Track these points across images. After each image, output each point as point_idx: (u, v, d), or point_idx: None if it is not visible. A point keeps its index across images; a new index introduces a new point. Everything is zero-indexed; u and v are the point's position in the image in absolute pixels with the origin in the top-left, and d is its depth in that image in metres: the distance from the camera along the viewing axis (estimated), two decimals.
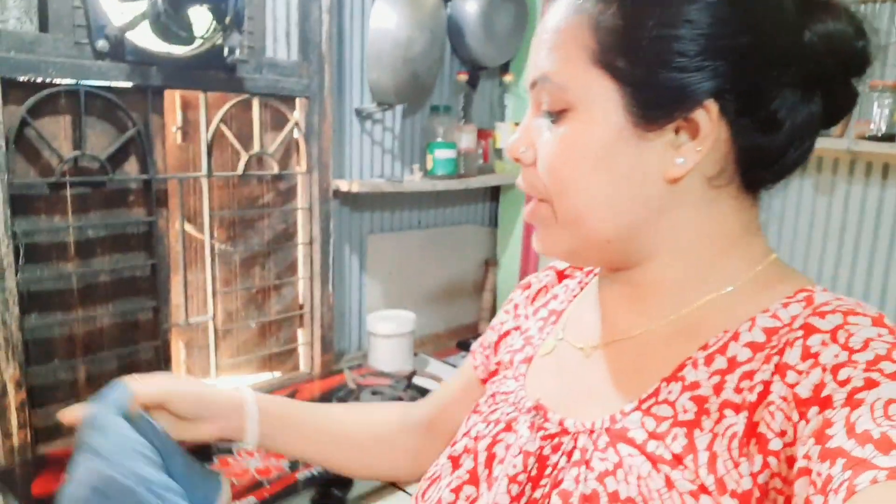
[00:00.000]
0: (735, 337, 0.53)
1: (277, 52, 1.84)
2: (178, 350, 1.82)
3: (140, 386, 0.74)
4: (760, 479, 0.47)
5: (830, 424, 0.43)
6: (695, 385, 0.53)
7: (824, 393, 0.45)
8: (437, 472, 0.67)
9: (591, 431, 0.57)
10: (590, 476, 0.54)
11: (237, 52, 1.63)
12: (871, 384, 0.43)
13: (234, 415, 0.80)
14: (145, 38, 1.52)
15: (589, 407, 0.59)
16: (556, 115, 0.56)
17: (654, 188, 0.54)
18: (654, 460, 0.52)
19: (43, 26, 1.42)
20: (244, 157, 1.79)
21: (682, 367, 0.55)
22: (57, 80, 1.42)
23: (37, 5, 1.41)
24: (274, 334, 2.00)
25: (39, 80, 1.40)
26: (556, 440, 0.59)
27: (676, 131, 0.53)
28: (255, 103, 1.79)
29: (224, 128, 1.75)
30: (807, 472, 0.43)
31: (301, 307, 2.03)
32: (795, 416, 0.46)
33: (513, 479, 0.59)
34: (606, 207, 0.55)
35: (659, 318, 0.58)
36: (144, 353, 1.67)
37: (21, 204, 1.42)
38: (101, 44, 1.46)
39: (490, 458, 0.62)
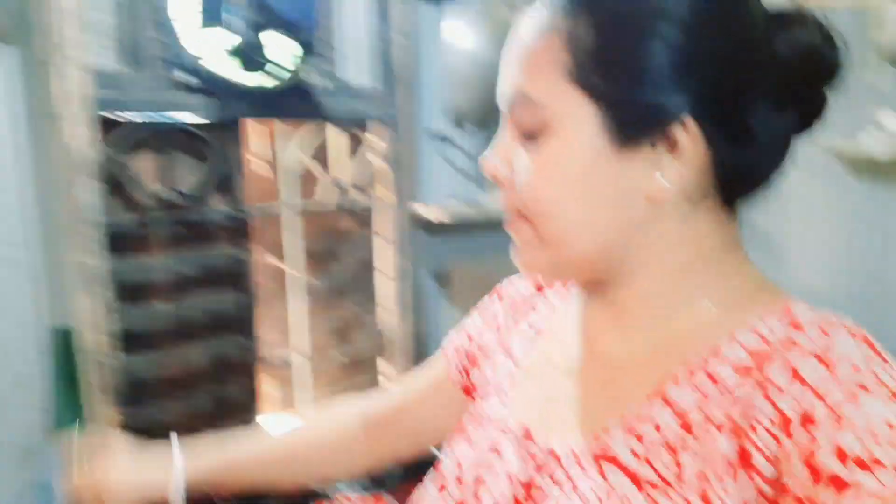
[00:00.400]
0: (716, 353, 0.53)
1: (355, 78, 1.82)
2: (265, 386, 1.78)
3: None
4: (747, 497, 0.47)
5: (816, 443, 0.43)
6: (678, 403, 0.53)
7: (808, 409, 0.45)
8: (422, 497, 0.67)
9: (576, 453, 0.56)
10: (574, 498, 0.54)
11: (316, 79, 1.61)
12: (852, 399, 0.44)
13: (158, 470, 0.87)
14: (227, 70, 1.51)
15: (573, 428, 0.59)
16: (533, 134, 0.55)
17: (634, 206, 0.54)
18: (638, 482, 0.52)
19: (132, 63, 1.43)
20: (325, 186, 1.76)
21: (663, 384, 0.54)
22: (146, 117, 1.42)
23: (124, 42, 1.42)
24: (359, 367, 1.94)
25: (127, 117, 1.39)
26: (543, 464, 0.58)
27: (654, 147, 0.53)
28: (335, 131, 1.77)
29: (305, 156, 1.72)
30: (793, 492, 0.43)
31: (386, 339, 1.97)
32: (781, 434, 0.46)
33: None
34: (588, 227, 0.55)
35: (639, 336, 0.58)
36: (235, 392, 1.64)
37: (114, 244, 1.41)
38: (186, 78, 1.46)
39: (478, 486, 0.62)
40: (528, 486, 0.58)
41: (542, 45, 0.55)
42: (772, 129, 0.54)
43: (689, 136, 0.52)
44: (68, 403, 1.38)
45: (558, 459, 0.58)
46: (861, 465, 0.41)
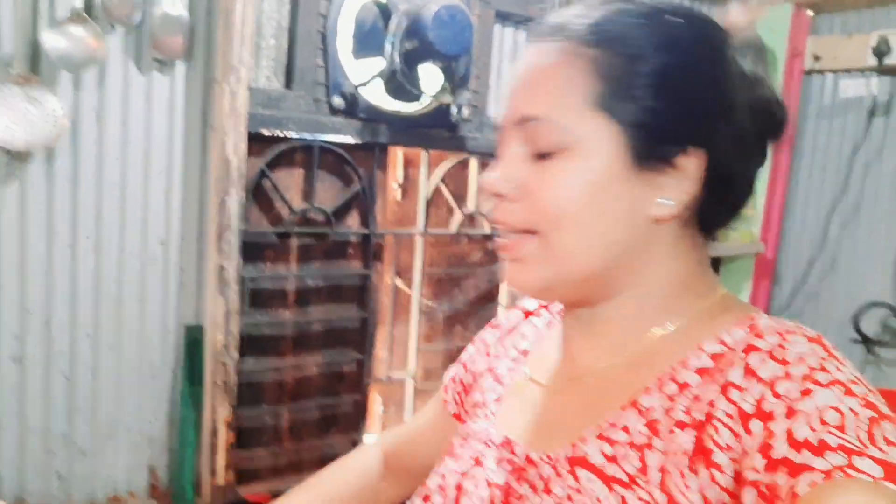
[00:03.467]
0: (684, 363, 0.57)
1: (498, 111, 1.80)
2: (375, 404, 1.81)
3: None
4: (708, 493, 0.50)
5: (773, 436, 0.46)
6: (648, 410, 0.56)
7: (765, 407, 0.48)
8: None
9: (554, 460, 0.59)
10: (547, 500, 0.57)
11: (463, 110, 1.61)
12: (806, 394, 0.47)
13: None
14: (377, 96, 1.54)
15: (553, 438, 0.61)
16: (548, 154, 0.58)
17: (638, 225, 0.58)
18: (608, 482, 0.54)
19: (287, 84, 1.49)
20: (458, 216, 1.76)
21: (637, 395, 0.58)
22: (294, 135, 1.48)
23: (284, 64, 1.48)
24: None
25: (280, 134, 1.46)
26: (522, 472, 0.61)
27: (663, 172, 0.57)
28: (473, 162, 1.76)
29: (442, 186, 1.73)
30: (754, 483, 0.46)
31: None
32: (741, 431, 0.49)
33: None
34: (598, 242, 0.58)
35: (618, 352, 0.61)
36: (345, 406, 1.67)
37: (251, 251, 1.48)
38: (338, 101, 1.50)
39: (459, 494, 0.65)
40: (506, 492, 0.62)
41: (563, 71, 0.58)
42: (747, 169, 0.61)
43: (698, 166, 0.57)
44: (190, 398, 1.46)
45: (535, 465, 0.61)
46: (812, 449, 0.44)
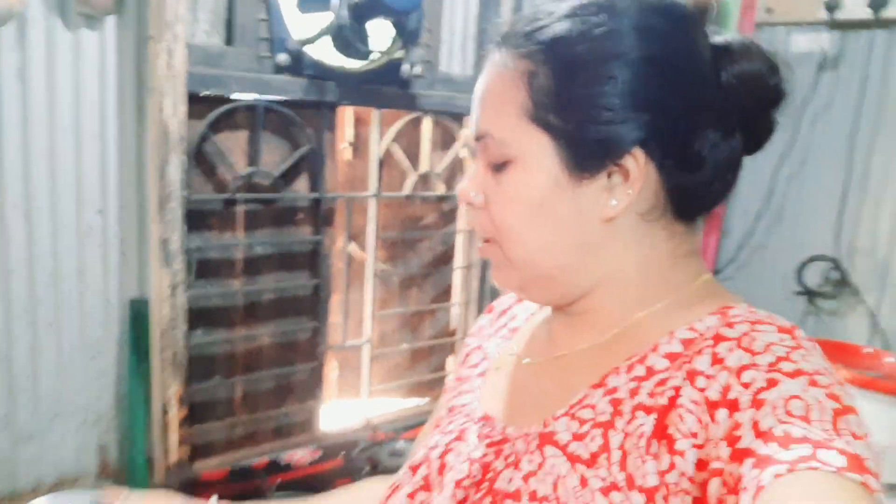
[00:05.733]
0: (655, 348, 0.57)
1: (452, 67, 1.74)
2: (330, 371, 1.77)
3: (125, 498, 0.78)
4: (668, 477, 0.50)
5: (739, 426, 0.46)
6: (614, 390, 0.57)
7: (731, 395, 0.48)
8: (398, 481, 0.71)
9: (527, 436, 0.61)
10: (516, 476, 0.59)
11: (415, 67, 1.54)
12: (772, 383, 0.47)
13: None
14: (324, 53, 1.46)
15: (531, 415, 0.63)
16: (499, 166, 0.59)
17: (591, 228, 0.58)
18: (572, 460, 0.56)
19: (228, 40, 1.40)
20: (411, 177, 1.71)
21: (607, 375, 0.59)
22: (237, 95, 1.39)
23: (224, 18, 1.39)
24: (425, 359, 1.91)
25: (221, 94, 1.37)
26: (499, 447, 0.63)
27: (609, 176, 0.57)
28: (426, 121, 1.71)
29: (394, 146, 1.67)
30: (719, 473, 0.46)
31: (454, 333, 1.93)
32: (706, 418, 0.49)
33: (458, 485, 0.63)
34: (548, 249, 0.59)
35: (596, 336, 0.63)
36: (301, 374, 1.63)
37: (195, 220, 1.41)
38: (282, 57, 1.42)
39: (442, 467, 0.66)
40: (483, 466, 0.63)
41: (503, 87, 0.58)
42: (720, 153, 0.58)
43: (639, 167, 0.56)
44: (138, 374, 1.40)
45: (513, 442, 0.62)
46: (776, 440, 0.44)
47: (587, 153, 0.57)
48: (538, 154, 0.58)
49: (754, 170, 2.27)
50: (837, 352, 1.87)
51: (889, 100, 1.94)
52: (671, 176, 0.58)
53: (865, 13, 1.86)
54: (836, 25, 1.97)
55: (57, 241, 1.32)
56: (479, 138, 0.61)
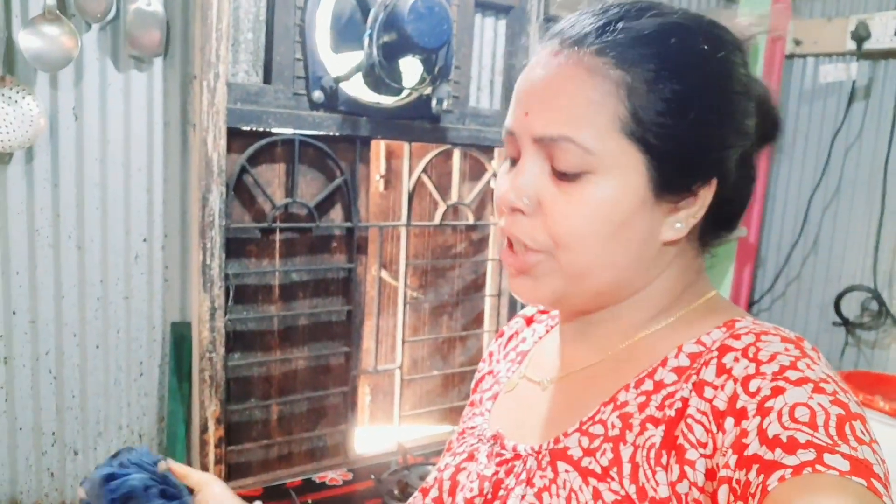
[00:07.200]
0: (663, 363, 0.58)
1: (481, 101, 1.81)
2: (363, 395, 1.82)
3: (182, 467, 0.86)
4: (679, 488, 0.51)
5: (746, 434, 0.47)
6: (623, 405, 0.58)
7: (738, 404, 0.49)
8: (410, 503, 0.72)
9: (538, 452, 0.62)
10: (529, 493, 0.59)
11: (444, 102, 1.61)
12: (778, 391, 0.48)
13: None
14: (357, 89, 1.54)
15: (541, 433, 0.64)
16: (574, 175, 0.57)
17: (653, 248, 0.59)
18: (585, 475, 0.57)
19: (266, 78, 1.49)
20: (442, 207, 1.77)
21: (617, 391, 0.60)
22: (275, 130, 1.48)
23: (262, 58, 1.48)
24: (456, 386, 1.95)
25: (259, 129, 1.46)
26: (510, 464, 0.64)
27: (681, 200, 0.58)
28: (456, 153, 1.77)
29: (425, 177, 1.74)
30: (727, 480, 0.47)
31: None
32: (714, 428, 0.50)
33: (470, 503, 0.64)
34: (612, 265, 0.59)
35: (606, 352, 0.64)
36: (333, 398, 1.68)
37: (234, 247, 1.48)
38: (317, 94, 1.50)
39: (454, 486, 0.67)
40: (494, 484, 0.64)
41: (591, 93, 0.56)
42: (746, 188, 0.62)
43: (709, 193, 0.58)
44: (179, 395, 1.47)
45: (522, 458, 0.63)
46: (782, 446, 0.45)
47: (678, 176, 0.57)
48: (628, 169, 0.56)
49: (787, 200, 2.26)
50: (877, 383, 1.83)
51: None
52: (720, 206, 0.59)
53: (893, 42, 1.86)
54: (864, 55, 1.98)
55: (106, 268, 1.40)
56: (544, 140, 0.58)
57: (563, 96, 0.57)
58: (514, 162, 0.62)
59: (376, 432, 1.85)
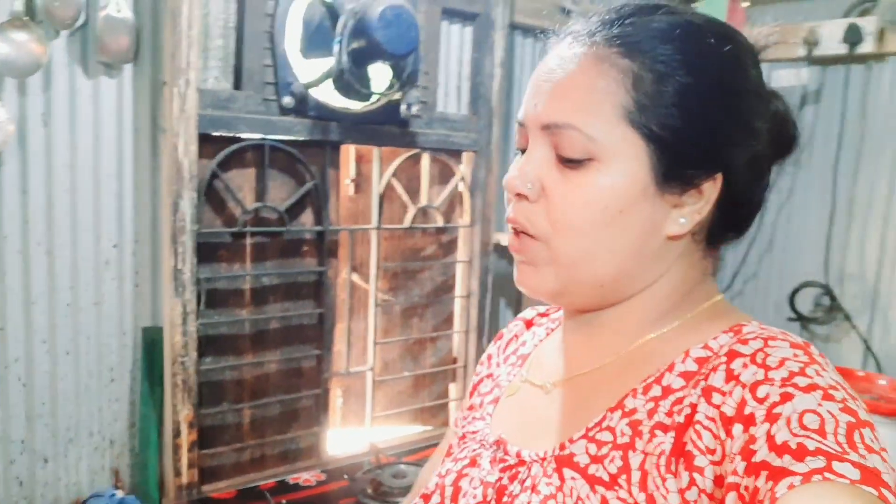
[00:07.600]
0: (671, 368, 0.58)
1: (448, 106, 1.84)
2: (335, 398, 1.84)
3: None
4: (688, 495, 0.50)
5: (754, 440, 0.46)
6: (632, 412, 0.57)
7: (747, 410, 0.48)
8: None
9: (543, 459, 0.60)
10: (534, 499, 0.58)
11: (412, 107, 1.64)
12: (786, 398, 0.47)
13: None
14: (326, 95, 1.56)
15: (545, 438, 0.63)
16: (577, 162, 0.57)
17: (655, 242, 0.59)
18: (592, 482, 0.56)
19: (237, 84, 1.50)
20: (411, 210, 1.80)
21: (624, 397, 0.59)
22: (245, 135, 1.49)
23: (233, 64, 1.49)
24: (428, 387, 1.97)
25: (230, 135, 1.47)
26: (514, 470, 0.63)
27: (684, 193, 0.58)
28: (425, 157, 1.80)
29: (394, 181, 1.76)
30: (735, 487, 0.46)
31: (455, 361, 2.00)
32: (722, 434, 0.49)
33: None
34: (611, 256, 0.58)
35: (611, 354, 0.62)
36: (306, 401, 1.70)
37: (205, 252, 1.49)
38: (287, 100, 1.52)
39: (456, 493, 0.66)
40: (498, 490, 0.63)
41: (597, 81, 0.56)
42: (758, 192, 0.61)
43: (714, 189, 0.58)
44: (151, 399, 1.47)
45: (526, 464, 0.62)
46: (791, 453, 0.44)
47: (680, 166, 0.56)
48: (630, 158, 0.56)
49: None
50: None
51: (867, 129, 2.02)
52: (727, 204, 0.59)
53: (842, 49, 1.95)
54: (815, 61, 2.06)
55: (76, 274, 1.40)
56: (550, 127, 0.58)
57: (570, 84, 0.58)
58: (525, 153, 0.62)
59: (349, 434, 1.87)
